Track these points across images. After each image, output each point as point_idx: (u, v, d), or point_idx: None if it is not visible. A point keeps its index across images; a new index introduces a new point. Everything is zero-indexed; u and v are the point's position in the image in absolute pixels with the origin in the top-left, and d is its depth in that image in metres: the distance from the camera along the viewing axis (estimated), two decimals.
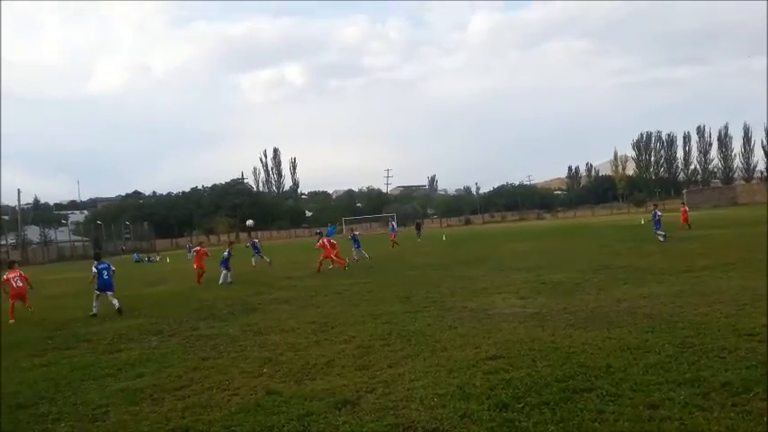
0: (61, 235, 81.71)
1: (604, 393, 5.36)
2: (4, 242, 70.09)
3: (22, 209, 73.24)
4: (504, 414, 5.02)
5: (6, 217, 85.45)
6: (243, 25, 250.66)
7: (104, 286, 14.55)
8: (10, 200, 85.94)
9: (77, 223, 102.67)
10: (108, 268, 14.82)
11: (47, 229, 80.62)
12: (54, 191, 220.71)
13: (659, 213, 25.15)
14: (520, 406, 5.18)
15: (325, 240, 22.58)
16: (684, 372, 5.80)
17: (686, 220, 31.23)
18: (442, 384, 5.99)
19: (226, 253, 20.33)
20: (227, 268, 20.01)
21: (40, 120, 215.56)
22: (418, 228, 50.46)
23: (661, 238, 23.35)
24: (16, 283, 14.96)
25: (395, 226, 40.74)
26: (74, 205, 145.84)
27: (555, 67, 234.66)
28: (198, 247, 23.33)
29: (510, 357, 6.83)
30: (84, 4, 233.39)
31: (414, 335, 8.61)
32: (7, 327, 13.16)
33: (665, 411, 4.81)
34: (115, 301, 14.17)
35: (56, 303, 17.98)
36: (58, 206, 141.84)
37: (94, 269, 14.85)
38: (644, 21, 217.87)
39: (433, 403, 5.44)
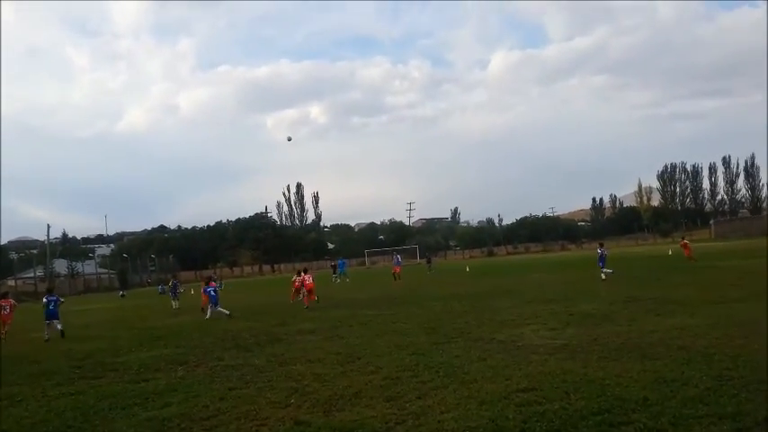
0: (88, 268, 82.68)
1: (642, 427, 5.20)
2: (31, 274, 71.27)
3: (51, 243, 74.50)
4: None
5: (35, 251, 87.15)
6: (266, 68, 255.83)
7: (51, 316, 17.37)
8: (39, 234, 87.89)
9: (104, 256, 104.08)
10: (56, 301, 17.85)
11: (74, 262, 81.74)
12: (82, 225, 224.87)
13: (605, 252, 26.17)
14: None
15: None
16: (725, 405, 5.61)
17: (689, 253, 31.28)
18: (474, 417, 5.86)
19: (211, 289, 20.73)
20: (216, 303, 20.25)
21: (70, 158, 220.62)
22: (429, 261, 52.78)
23: (603, 276, 23.69)
24: (4, 310, 17.87)
25: (399, 259, 42.42)
26: (101, 239, 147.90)
27: (576, 101, 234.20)
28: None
29: (542, 390, 6.67)
30: (115, 48, 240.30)
31: (442, 366, 8.48)
32: (34, 356, 13.28)
33: None
34: (59, 327, 17.17)
35: (82, 333, 18.14)
36: (86, 240, 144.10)
37: (45, 300, 17.90)
38: (664, 54, 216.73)
39: None
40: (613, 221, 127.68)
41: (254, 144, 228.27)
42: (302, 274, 23.11)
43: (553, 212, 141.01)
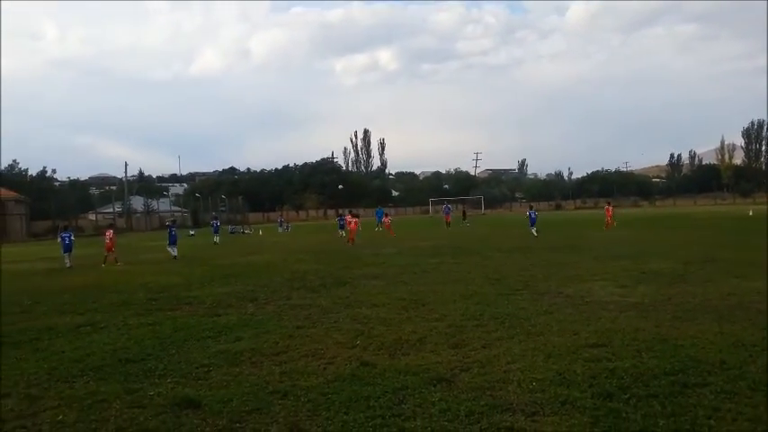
0: (163, 205, 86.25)
1: (719, 390, 5.00)
2: (111, 210, 75.04)
3: (128, 180, 77.90)
4: (609, 404, 4.78)
5: (114, 187, 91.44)
6: (338, 11, 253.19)
7: (67, 248, 20.91)
8: (117, 172, 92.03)
9: (177, 195, 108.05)
10: (69, 236, 21.26)
11: (150, 200, 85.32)
12: (157, 164, 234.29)
13: (534, 213, 29.35)
14: (626, 397, 4.92)
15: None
16: None
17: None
18: (540, 369, 5.80)
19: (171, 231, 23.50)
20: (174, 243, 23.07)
21: (145, 99, 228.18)
22: (464, 214, 53.78)
23: (535, 233, 27.09)
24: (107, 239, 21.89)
25: (450, 208, 47.66)
26: (174, 178, 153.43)
27: (659, 51, 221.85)
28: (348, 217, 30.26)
29: (612, 346, 6.52)
30: None
31: (507, 317, 8.42)
32: (115, 286, 14.06)
33: None
34: (68, 262, 20.58)
35: (158, 268, 19.05)
36: (160, 179, 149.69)
37: (61, 235, 21.54)
38: (759, 2, 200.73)
39: (531, 387, 5.28)
40: (690, 179, 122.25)
41: (323, 89, 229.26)
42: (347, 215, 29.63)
43: (627, 167, 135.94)
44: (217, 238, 34.66)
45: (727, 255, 15.71)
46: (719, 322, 7.57)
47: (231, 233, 49.43)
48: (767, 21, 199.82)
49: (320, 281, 13.62)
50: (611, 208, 34.25)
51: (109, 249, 21.59)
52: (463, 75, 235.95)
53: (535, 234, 27.03)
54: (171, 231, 23.60)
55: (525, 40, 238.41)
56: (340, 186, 54.61)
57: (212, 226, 36.78)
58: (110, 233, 22.23)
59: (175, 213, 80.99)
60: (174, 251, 22.81)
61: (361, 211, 51.70)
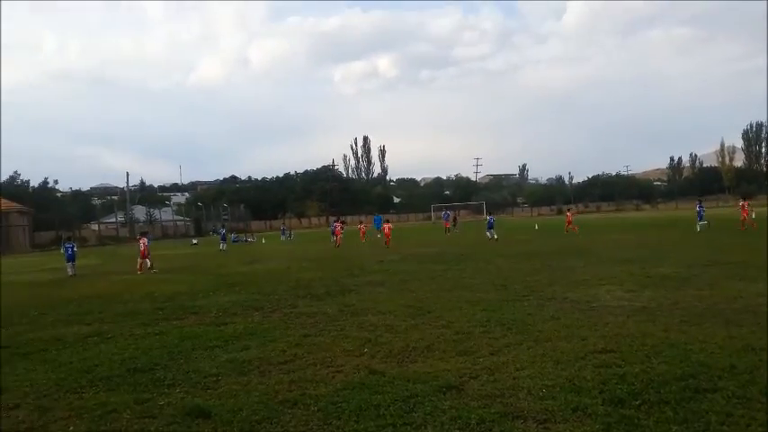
0: (165, 215, 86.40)
1: (731, 395, 4.98)
2: (113, 219, 75.18)
3: (130, 190, 78.02)
4: (621, 410, 4.76)
5: (116, 197, 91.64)
6: (336, 19, 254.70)
7: (70, 258, 21.92)
8: (119, 182, 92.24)
9: (179, 204, 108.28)
10: (72, 247, 22.60)
11: (152, 209, 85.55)
12: (158, 174, 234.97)
13: (494, 218, 33.72)
14: (637, 403, 4.90)
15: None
16: None
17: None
18: (550, 375, 5.79)
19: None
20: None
21: (145, 109, 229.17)
22: (455, 221, 52.80)
23: (490, 235, 30.62)
24: (140, 247, 22.83)
25: (449, 214, 49.31)
26: (176, 188, 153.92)
27: (656, 54, 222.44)
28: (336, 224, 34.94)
29: (621, 352, 6.50)
30: (188, 2, 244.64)
31: (514, 323, 8.40)
32: (120, 296, 14.06)
33: None
34: (70, 270, 21.57)
35: (162, 277, 19.06)
36: (162, 188, 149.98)
37: (64, 246, 23.01)
38: (754, 4, 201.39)
39: (541, 394, 5.26)
40: (691, 182, 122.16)
41: (323, 97, 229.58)
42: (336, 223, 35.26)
43: (627, 171, 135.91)
44: (223, 246, 36.07)
45: (731, 258, 15.67)
46: (727, 326, 7.55)
47: (234, 242, 49.44)
48: (767, 21, 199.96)
49: (325, 288, 13.61)
50: (570, 214, 37.39)
51: (144, 256, 22.23)
52: (462, 81, 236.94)
53: (495, 237, 30.20)
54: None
55: (522, 44, 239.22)
56: (333, 185, 54.60)
57: (219, 234, 38.86)
58: (144, 240, 23.07)
59: (177, 223, 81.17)
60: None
61: (363, 218, 52.75)
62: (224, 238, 37.85)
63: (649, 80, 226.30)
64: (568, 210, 40.99)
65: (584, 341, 7.11)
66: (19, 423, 5.31)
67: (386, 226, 32.05)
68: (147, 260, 22.35)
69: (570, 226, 34.65)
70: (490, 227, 31.55)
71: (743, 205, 29.88)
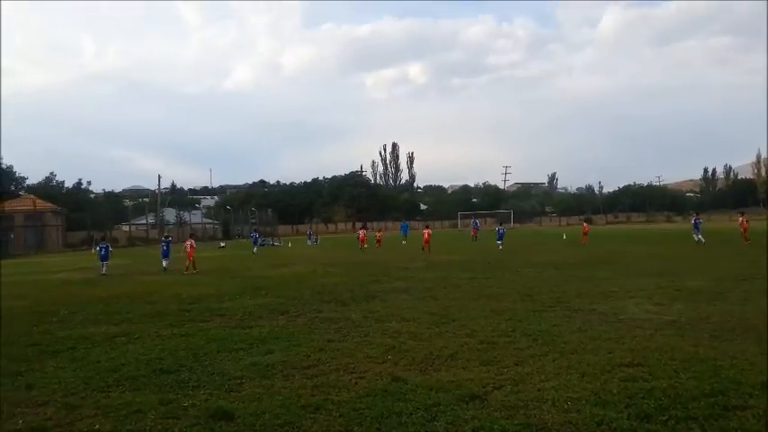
0: (194, 217, 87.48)
1: (761, 414, 4.86)
2: (144, 221, 76.42)
3: (161, 192, 79.25)
4: (647, 425, 4.68)
5: (147, 199, 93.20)
6: (368, 26, 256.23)
7: (103, 258, 23.02)
8: (151, 184, 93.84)
9: (209, 207, 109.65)
10: (106, 248, 23.50)
11: (182, 212, 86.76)
12: (189, 177, 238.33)
13: (504, 229, 33.82)
14: (664, 418, 4.81)
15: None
16: None
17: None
18: (575, 388, 5.71)
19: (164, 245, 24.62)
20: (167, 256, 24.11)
21: (179, 113, 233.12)
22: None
23: (500, 246, 30.87)
24: (186, 248, 23.52)
25: (478, 223, 49.80)
26: (206, 191, 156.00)
27: (693, 64, 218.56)
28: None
29: (648, 366, 6.38)
30: (224, 6, 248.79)
31: (539, 334, 8.31)
32: (148, 297, 14.28)
33: None
34: (103, 270, 22.45)
35: (190, 279, 19.30)
36: (192, 191, 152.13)
37: (97, 246, 24.26)
38: None
39: (566, 407, 5.19)
40: (725, 193, 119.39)
41: (353, 103, 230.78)
42: (377, 231, 37.25)
43: (660, 181, 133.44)
44: (255, 249, 37.44)
45: (763, 272, 15.26)
46: (759, 343, 7.35)
47: (261, 245, 49.85)
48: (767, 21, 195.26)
49: (350, 294, 13.64)
50: (586, 225, 38.62)
51: (189, 257, 22.96)
52: (494, 88, 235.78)
53: (500, 247, 30.92)
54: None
55: (556, 52, 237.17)
56: (360, 191, 55.19)
57: (251, 238, 40.19)
58: (191, 242, 23.85)
59: (206, 225, 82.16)
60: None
61: (384, 225, 53.61)
62: (256, 242, 39.26)
63: (684, 90, 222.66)
64: (585, 221, 42.46)
65: (611, 354, 6.99)
66: (47, 420, 5.42)
67: (426, 231, 32.57)
68: (191, 261, 23.01)
69: (585, 237, 35.11)
70: (500, 238, 32.17)
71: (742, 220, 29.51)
